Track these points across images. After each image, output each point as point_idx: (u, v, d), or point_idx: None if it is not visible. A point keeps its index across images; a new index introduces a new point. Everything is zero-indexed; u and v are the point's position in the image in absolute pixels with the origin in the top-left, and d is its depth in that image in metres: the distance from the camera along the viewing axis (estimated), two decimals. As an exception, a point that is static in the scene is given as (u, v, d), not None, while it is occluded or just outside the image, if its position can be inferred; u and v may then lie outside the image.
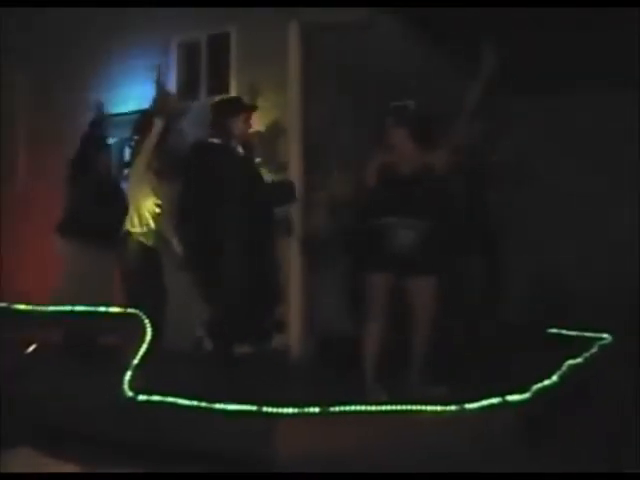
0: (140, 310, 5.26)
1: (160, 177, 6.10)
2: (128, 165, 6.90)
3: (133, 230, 5.95)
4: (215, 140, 5.78)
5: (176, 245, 6.03)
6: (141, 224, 5.95)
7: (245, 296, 5.45)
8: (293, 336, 6.43)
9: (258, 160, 6.17)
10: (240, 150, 5.70)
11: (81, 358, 5.78)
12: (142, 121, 6.33)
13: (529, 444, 4.49)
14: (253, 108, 6.02)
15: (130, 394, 4.77)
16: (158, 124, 6.00)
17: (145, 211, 5.98)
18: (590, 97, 9.22)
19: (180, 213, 5.90)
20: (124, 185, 6.77)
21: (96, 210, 6.28)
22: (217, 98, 6.38)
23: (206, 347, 5.77)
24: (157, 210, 6.02)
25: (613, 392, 5.51)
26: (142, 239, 5.95)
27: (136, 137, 6.43)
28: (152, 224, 5.98)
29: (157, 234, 6.01)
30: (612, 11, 6.77)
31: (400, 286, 5.00)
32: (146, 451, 4.45)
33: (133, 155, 6.28)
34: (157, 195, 6.03)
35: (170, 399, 4.64)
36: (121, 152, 7.00)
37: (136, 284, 5.88)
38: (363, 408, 4.48)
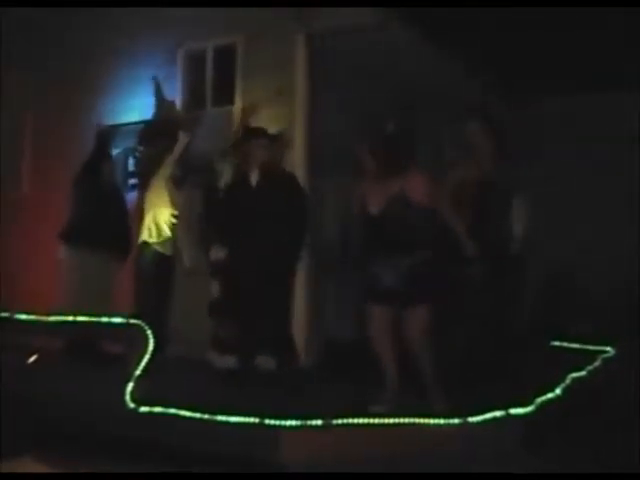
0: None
1: (177, 187, 6.15)
2: (133, 175, 6.94)
3: (150, 240, 6.00)
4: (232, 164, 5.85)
5: (186, 258, 6.06)
6: (159, 234, 6.01)
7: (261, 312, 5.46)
8: (298, 346, 6.40)
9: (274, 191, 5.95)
10: (254, 179, 5.68)
11: (84, 366, 5.77)
12: (148, 132, 6.40)
13: (531, 455, 4.49)
14: (274, 137, 5.99)
15: (132, 405, 4.76)
16: (184, 139, 6.08)
17: (162, 221, 6.03)
18: (590, 99, 9.25)
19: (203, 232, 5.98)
20: (129, 194, 6.82)
21: (100, 219, 6.27)
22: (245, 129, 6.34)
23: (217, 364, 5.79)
24: (174, 220, 6.06)
25: (617, 403, 5.51)
26: (159, 249, 6.00)
27: (141, 148, 6.49)
28: (169, 234, 6.03)
29: (174, 244, 6.06)
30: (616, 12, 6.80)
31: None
32: (148, 460, 4.45)
33: (147, 166, 6.31)
34: (174, 205, 6.09)
35: (172, 410, 4.62)
36: (125, 162, 7.00)
37: (151, 293, 5.94)
38: (366, 421, 4.47)
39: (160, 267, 6.08)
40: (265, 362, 5.59)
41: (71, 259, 6.34)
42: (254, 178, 5.63)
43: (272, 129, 6.22)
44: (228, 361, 5.68)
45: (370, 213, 4.92)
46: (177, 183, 6.19)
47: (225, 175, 5.93)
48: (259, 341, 5.60)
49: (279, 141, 6.10)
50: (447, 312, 5.33)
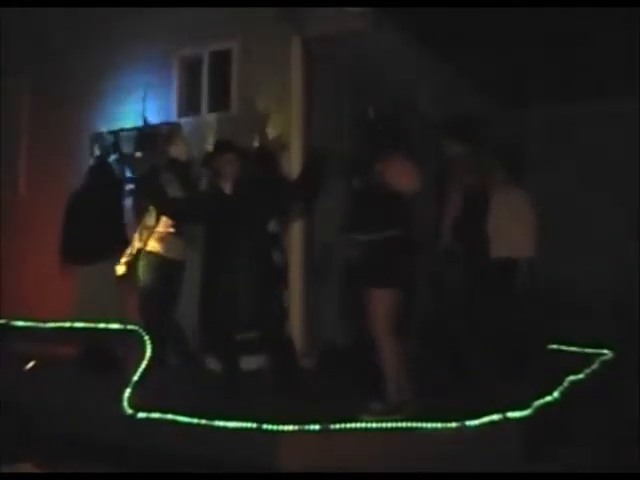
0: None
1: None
2: (130, 181, 6.94)
3: (149, 249, 6.01)
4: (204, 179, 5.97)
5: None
6: (158, 243, 6.04)
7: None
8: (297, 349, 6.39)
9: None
10: (228, 191, 5.60)
11: (84, 373, 5.74)
12: (145, 138, 6.42)
13: (530, 459, 4.49)
14: (242, 152, 5.84)
15: (130, 411, 4.75)
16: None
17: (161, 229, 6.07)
18: (589, 107, 9.30)
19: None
20: (126, 201, 6.83)
21: (98, 227, 6.26)
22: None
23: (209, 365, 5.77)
24: (171, 230, 6.07)
25: (615, 406, 5.52)
26: (159, 257, 6.02)
27: (138, 154, 6.51)
28: (167, 242, 6.05)
29: (172, 252, 6.07)
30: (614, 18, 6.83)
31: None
32: (146, 466, 4.44)
33: (144, 173, 6.32)
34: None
35: (170, 416, 4.62)
36: (122, 168, 7.00)
37: (154, 301, 5.95)
38: (364, 425, 4.47)
39: (167, 274, 6.08)
40: (258, 364, 5.59)
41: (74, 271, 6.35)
42: (228, 189, 5.55)
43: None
44: (221, 365, 5.66)
45: (353, 187, 5.00)
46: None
47: (202, 184, 6.08)
48: (249, 345, 5.56)
49: (259, 152, 6.11)
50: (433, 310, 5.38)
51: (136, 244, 6.14)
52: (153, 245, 6.06)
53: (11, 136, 8.29)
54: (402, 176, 4.79)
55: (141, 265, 6.09)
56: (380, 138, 4.98)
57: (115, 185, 6.73)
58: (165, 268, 6.04)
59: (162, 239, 6.07)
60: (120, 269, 6.18)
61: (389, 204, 4.76)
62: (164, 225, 6.07)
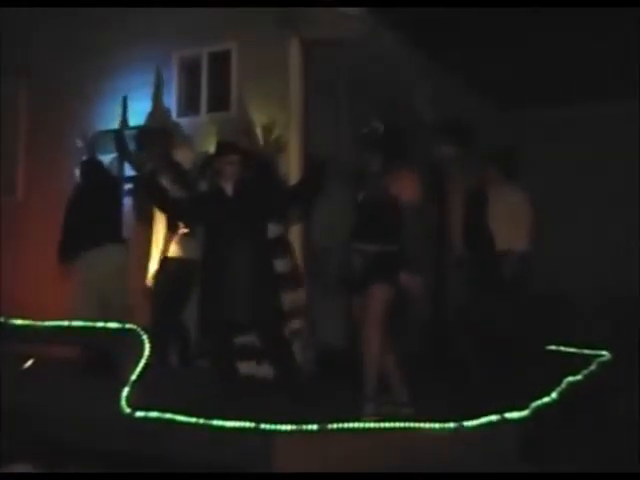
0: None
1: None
2: (129, 180, 6.95)
3: (170, 255, 6.03)
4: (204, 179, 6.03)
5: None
6: (176, 246, 6.06)
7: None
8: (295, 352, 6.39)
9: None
10: (229, 192, 5.55)
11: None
12: (144, 137, 6.43)
13: (527, 460, 4.50)
14: (243, 153, 5.72)
15: (128, 410, 4.75)
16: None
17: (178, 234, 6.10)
18: (589, 108, 9.32)
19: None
20: (126, 200, 6.83)
21: (96, 226, 6.26)
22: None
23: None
24: (186, 231, 6.09)
25: (613, 407, 5.52)
26: (177, 260, 6.04)
27: (137, 153, 6.52)
28: (183, 244, 6.06)
29: (188, 253, 6.08)
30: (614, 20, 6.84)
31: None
32: (144, 466, 4.44)
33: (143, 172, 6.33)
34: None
35: (168, 415, 4.62)
36: (120, 166, 7.00)
37: (172, 304, 5.98)
38: (361, 425, 4.47)
39: (183, 275, 6.08)
40: (260, 369, 5.58)
41: (74, 271, 6.34)
42: (229, 190, 5.52)
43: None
44: (219, 367, 5.66)
45: (357, 200, 5.04)
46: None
47: (202, 186, 6.09)
48: (250, 347, 5.57)
49: (259, 154, 6.12)
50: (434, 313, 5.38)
51: (159, 254, 6.17)
52: (173, 250, 6.10)
53: (10, 137, 8.29)
54: (409, 189, 4.87)
55: (160, 270, 6.11)
56: (387, 152, 5.01)
57: (113, 183, 6.74)
58: (182, 269, 6.06)
59: (178, 242, 6.10)
60: (150, 282, 6.21)
61: (395, 216, 4.84)
62: (178, 228, 6.10)
